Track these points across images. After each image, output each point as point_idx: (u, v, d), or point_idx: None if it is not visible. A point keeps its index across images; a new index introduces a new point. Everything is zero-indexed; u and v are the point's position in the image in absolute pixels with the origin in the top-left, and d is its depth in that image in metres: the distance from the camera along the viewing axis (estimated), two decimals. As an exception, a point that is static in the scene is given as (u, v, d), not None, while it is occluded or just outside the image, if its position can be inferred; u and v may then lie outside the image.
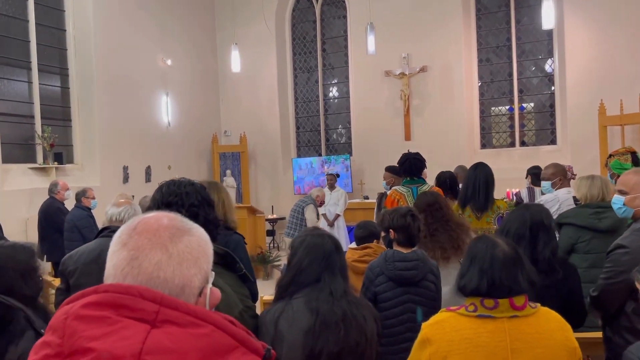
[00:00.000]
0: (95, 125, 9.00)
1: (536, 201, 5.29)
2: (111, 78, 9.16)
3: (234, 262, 1.96)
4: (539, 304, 1.86)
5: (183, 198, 1.98)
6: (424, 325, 1.91)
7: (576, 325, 2.79)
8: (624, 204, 2.66)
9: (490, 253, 1.84)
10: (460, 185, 5.01)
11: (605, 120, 8.69)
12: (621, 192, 2.66)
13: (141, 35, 9.84)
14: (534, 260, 2.60)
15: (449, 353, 1.78)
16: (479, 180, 4.35)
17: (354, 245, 4.50)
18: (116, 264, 0.98)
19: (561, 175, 4.72)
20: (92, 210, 6.18)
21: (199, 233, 1.05)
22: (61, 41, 8.98)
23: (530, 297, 1.87)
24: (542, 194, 5.12)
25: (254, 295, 2.39)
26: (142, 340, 0.87)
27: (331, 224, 8.50)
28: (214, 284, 1.79)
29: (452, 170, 5.81)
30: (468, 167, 5.12)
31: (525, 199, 5.62)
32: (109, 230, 3.09)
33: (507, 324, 1.76)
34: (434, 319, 1.91)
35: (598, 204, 3.57)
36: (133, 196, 7.16)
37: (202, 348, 0.90)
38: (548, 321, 1.82)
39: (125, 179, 9.41)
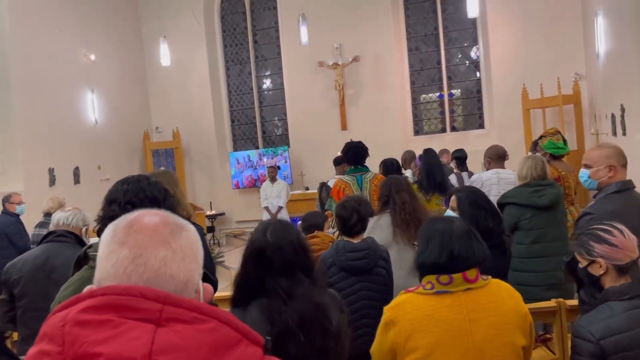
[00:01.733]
0: (15, 126, 8.42)
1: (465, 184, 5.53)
2: (30, 75, 8.59)
3: None
4: (490, 277, 1.97)
5: (120, 195, 1.89)
6: (385, 308, 1.99)
7: None
8: (589, 177, 2.83)
9: (448, 228, 1.95)
10: (407, 170, 5.18)
11: (527, 103, 9.18)
12: (586, 166, 2.86)
13: (61, 28, 9.29)
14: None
15: (412, 331, 1.87)
16: (425, 165, 4.50)
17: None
18: (116, 263, 0.95)
19: (488, 158, 4.96)
20: (20, 217, 5.80)
21: (192, 228, 1.05)
22: (-29, 37, 8.31)
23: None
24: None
25: (214, 288, 2.31)
26: (151, 340, 0.86)
27: (274, 217, 8.47)
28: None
29: (401, 155, 5.96)
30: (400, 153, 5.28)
31: (455, 184, 5.82)
32: (55, 235, 2.94)
33: (463, 296, 1.87)
34: (394, 301, 1.99)
35: (537, 183, 3.78)
36: (64, 199, 6.86)
37: (210, 343, 0.90)
38: (499, 290, 1.94)
39: (52, 181, 8.90)
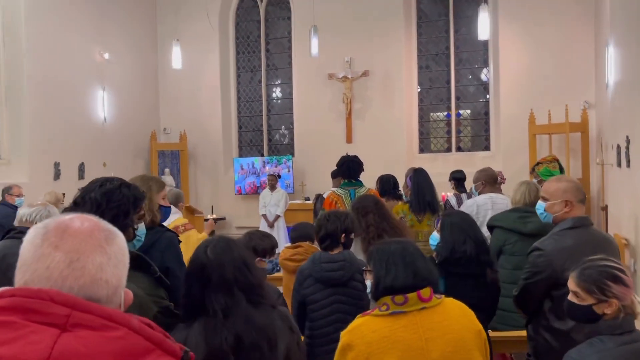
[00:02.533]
0: (25, 119, 8.55)
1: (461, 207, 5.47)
2: (43, 70, 8.73)
3: (147, 265, 1.91)
4: (443, 295, 1.98)
5: (85, 201, 1.90)
6: (342, 333, 1.99)
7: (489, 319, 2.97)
8: (544, 210, 2.79)
9: (405, 248, 1.97)
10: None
11: (534, 129, 9.15)
12: (543, 199, 2.81)
13: (77, 26, 9.44)
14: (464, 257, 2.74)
15: (370, 354, 1.86)
16: (415, 185, 4.49)
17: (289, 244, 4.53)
18: (51, 266, 0.95)
19: (483, 180, 4.88)
20: (18, 209, 5.86)
21: (121, 234, 1.07)
22: (-12, 29, 8.48)
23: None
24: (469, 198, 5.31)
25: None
26: (51, 345, 0.86)
27: (271, 225, 8.48)
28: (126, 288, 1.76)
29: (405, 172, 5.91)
30: (405, 169, 5.28)
31: (455, 206, 5.77)
32: (16, 232, 2.87)
33: (418, 316, 1.88)
34: (350, 325, 1.99)
35: (525, 209, 3.74)
36: (64, 194, 6.93)
37: (115, 351, 0.89)
38: (453, 309, 1.95)
39: (57, 175, 9.00)
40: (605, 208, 7.87)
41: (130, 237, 1.96)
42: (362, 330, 1.91)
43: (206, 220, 5.19)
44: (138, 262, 1.86)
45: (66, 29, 9.21)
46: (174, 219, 4.60)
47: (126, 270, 1.03)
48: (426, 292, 1.90)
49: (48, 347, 0.85)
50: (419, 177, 4.54)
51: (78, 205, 1.90)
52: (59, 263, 0.95)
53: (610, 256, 2.10)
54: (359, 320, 1.96)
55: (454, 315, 1.92)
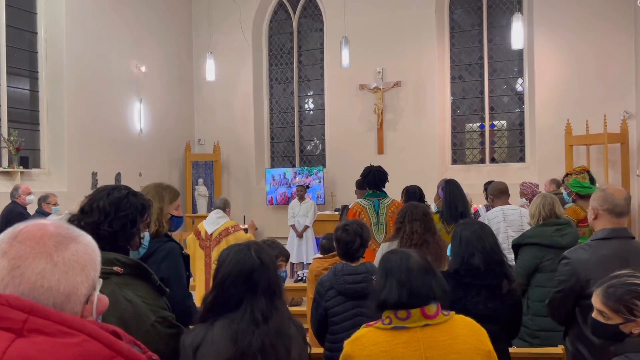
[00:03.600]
0: (64, 129, 8.87)
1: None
2: (82, 82, 9.06)
3: (147, 274, 1.91)
4: (452, 312, 1.90)
5: (93, 209, 1.91)
6: (345, 342, 1.96)
7: (513, 336, 2.87)
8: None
9: (405, 264, 1.89)
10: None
11: (571, 139, 8.88)
12: None
13: (115, 40, 9.77)
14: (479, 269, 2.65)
15: None
16: (447, 196, 4.43)
17: (319, 255, 4.52)
18: None
19: (491, 194, 4.84)
20: (49, 216, 6.06)
21: (86, 241, 1.05)
22: (32, 44, 8.87)
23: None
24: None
25: (180, 305, 2.28)
26: (4, 350, 0.85)
27: (300, 235, 8.49)
28: (122, 296, 1.76)
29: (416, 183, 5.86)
30: (437, 181, 5.22)
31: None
32: None
33: (420, 333, 1.81)
34: (354, 335, 1.95)
35: (555, 222, 3.61)
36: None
37: (70, 357, 0.88)
38: (461, 327, 1.86)
39: (94, 185, 9.27)
40: (646, 222, 7.56)
41: (136, 245, 1.98)
42: (363, 342, 1.88)
43: (245, 230, 5.63)
44: (138, 271, 1.87)
45: (104, 43, 9.53)
46: (223, 222, 5.46)
47: (85, 276, 1.00)
48: (431, 308, 1.83)
49: (0, 352, 0.85)
50: (450, 187, 4.47)
51: (86, 213, 1.91)
52: (2, 270, 0.96)
53: None
54: (362, 331, 1.93)
55: (460, 335, 1.84)
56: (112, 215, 1.88)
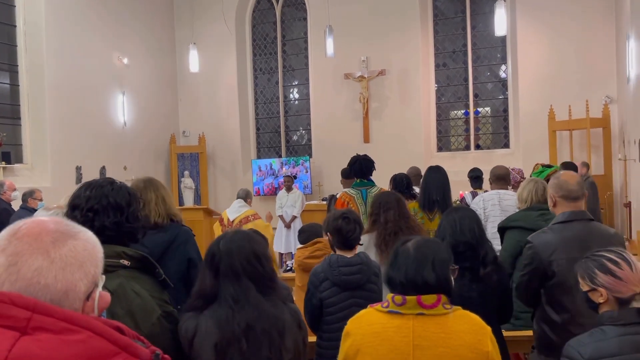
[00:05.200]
0: (46, 124, 8.75)
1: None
2: (64, 76, 8.92)
3: (152, 267, 1.91)
4: (458, 307, 1.89)
5: (82, 202, 1.86)
6: (349, 319, 1.98)
7: (505, 320, 2.93)
8: None
9: (407, 248, 1.91)
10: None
11: (554, 125, 8.99)
12: None
13: (96, 32, 9.62)
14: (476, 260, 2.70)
15: (362, 346, 1.86)
16: (425, 183, 4.45)
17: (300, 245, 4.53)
18: None
19: (490, 179, 4.97)
20: (36, 212, 6.01)
21: (86, 237, 1.04)
22: (10, 37, 8.69)
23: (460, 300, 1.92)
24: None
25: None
26: (9, 348, 0.85)
27: (288, 226, 8.50)
28: (130, 289, 1.76)
29: (405, 171, 5.88)
30: (423, 169, 5.24)
31: (471, 204, 5.72)
32: None
33: (413, 321, 1.81)
34: (358, 313, 1.98)
35: (540, 207, 3.66)
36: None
37: (75, 354, 0.88)
38: (460, 323, 1.84)
39: (78, 179, 9.17)
40: (628, 204, 7.69)
41: (136, 238, 1.95)
42: (361, 321, 1.91)
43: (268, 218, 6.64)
44: (144, 264, 1.87)
45: (86, 35, 9.38)
46: (244, 210, 6.04)
47: (84, 273, 0.99)
48: (429, 299, 1.82)
49: (5, 351, 0.85)
50: (428, 175, 4.49)
51: (75, 208, 1.88)
52: (0, 267, 0.96)
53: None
54: (365, 310, 1.96)
55: (456, 330, 1.81)
56: (98, 209, 1.85)
